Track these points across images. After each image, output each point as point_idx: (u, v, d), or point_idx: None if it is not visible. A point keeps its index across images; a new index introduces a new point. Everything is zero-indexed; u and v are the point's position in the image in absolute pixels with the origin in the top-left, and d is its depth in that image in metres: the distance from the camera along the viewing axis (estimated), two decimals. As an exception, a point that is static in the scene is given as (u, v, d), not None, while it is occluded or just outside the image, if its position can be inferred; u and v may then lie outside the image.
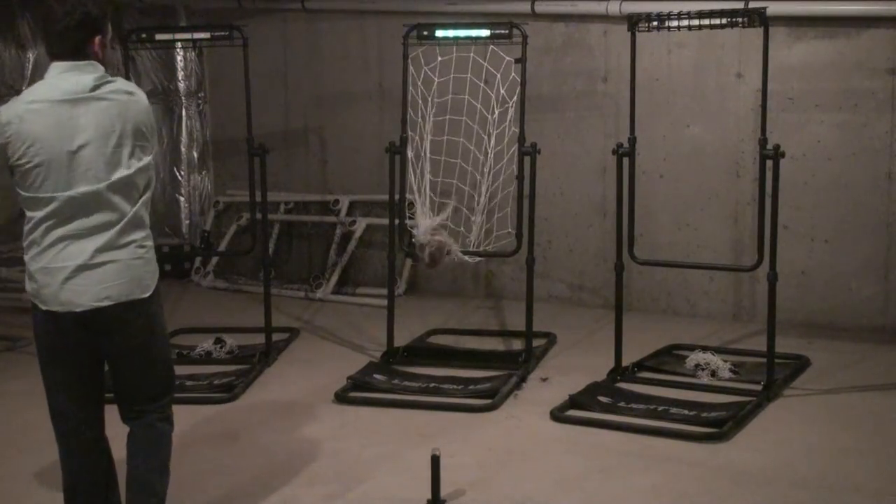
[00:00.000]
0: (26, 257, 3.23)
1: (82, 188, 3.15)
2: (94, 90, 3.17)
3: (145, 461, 3.41)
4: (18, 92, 8.31)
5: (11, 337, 6.69)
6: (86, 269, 3.18)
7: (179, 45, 8.02)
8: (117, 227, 3.21)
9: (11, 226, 7.99)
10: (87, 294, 3.18)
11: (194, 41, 6.45)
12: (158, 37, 6.20)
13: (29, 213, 3.21)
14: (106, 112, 3.17)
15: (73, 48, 3.20)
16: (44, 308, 3.22)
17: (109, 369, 3.39)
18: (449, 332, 6.60)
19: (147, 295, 3.29)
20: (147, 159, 3.26)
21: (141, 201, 3.26)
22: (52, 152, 3.12)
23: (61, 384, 3.33)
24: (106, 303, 3.20)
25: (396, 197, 5.94)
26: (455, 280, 7.73)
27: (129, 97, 3.24)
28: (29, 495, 4.20)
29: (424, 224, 5.58)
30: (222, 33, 6.07)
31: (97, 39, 3.23)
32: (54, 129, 3.12)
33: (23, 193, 3.18)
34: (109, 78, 3.24)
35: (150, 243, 3.32)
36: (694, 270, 6.80)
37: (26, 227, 3.22)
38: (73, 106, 3.14)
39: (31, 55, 8.40)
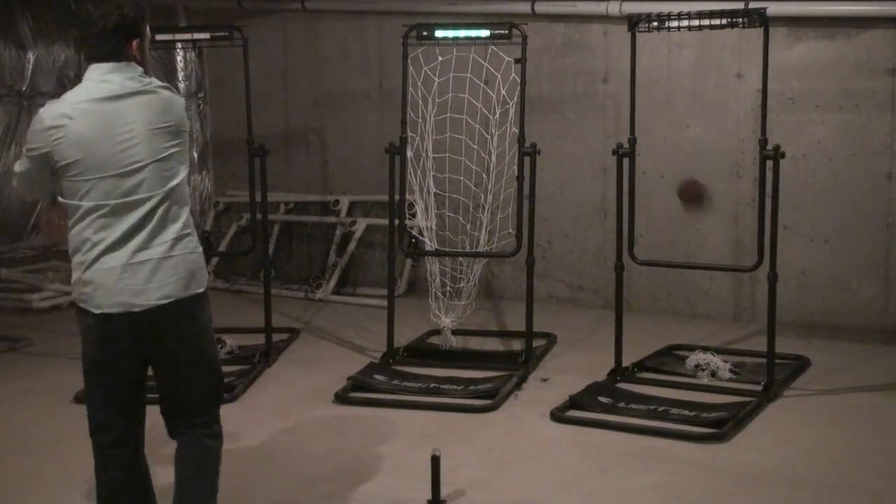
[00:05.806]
0: (74, 261, 3.14)
1: (132, 185, 3.10)
2: (138, 88, 3.14)
3: (193, 484, 3.31)
4: (19, 92, 8.39)
5: (12, 337, 6.67)
6: (140, 267, 3.10)
7: (179, 45, 8.02)
8: (176, 225, 3.16)
9: (12, 226, 8.04)
10: (145, 293, 3.11)
11: (194, 41, 6.43)
12: (158, 37, 6.19)
13: (77, 215, 3.12)
14: (151, 108, 3.13)
15: (111, 50, 3.14)
16: (96, 312, 3.12)
17: (157, 381, 3.28)
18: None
19: (202, 290, 3.24)
20: (179, 152, 3.20)
21: (181, 198, 3.21)
22: (103, 152, 3.06)
23: (106, 395, 3.23)
24: (165, 300, 3.13)
25: (396, 197, 5.94)
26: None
27: (169, 93, 3.21)
28: (30, 495, 4.20)
29: None
30: (222, 34, 6.07)
31: (135, 42, 3.17)
32: (103, 129, 3.06)
33: (70, 197, 3.11)
34: (150, 77, 3.21)
35: (196, 238, 3.27)
36: (694, 270, 6.80)
37: (73, 230, 3.14)
38: (119, 104, 3.10)
39: (31, 55, 8.39)
